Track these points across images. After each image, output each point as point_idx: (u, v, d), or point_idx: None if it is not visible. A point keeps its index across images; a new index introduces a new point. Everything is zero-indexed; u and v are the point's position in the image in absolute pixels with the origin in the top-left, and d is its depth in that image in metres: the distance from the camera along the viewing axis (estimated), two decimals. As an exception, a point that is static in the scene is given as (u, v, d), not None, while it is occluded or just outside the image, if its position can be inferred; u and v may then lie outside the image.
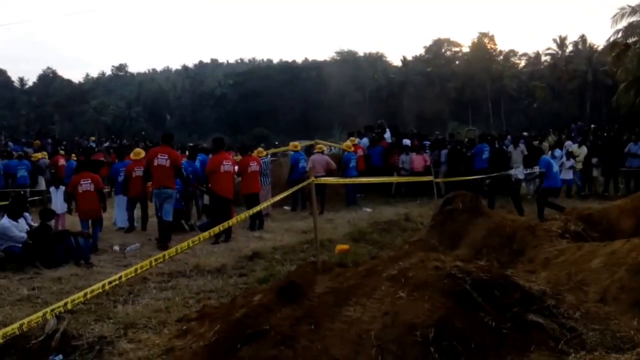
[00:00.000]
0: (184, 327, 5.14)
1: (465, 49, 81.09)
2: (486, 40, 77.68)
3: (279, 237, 10.58)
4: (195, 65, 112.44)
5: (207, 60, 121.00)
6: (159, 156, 10.00)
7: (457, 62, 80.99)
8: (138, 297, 6.46)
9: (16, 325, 3.24)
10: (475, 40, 78.30)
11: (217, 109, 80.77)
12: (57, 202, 11.69)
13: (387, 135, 19.40)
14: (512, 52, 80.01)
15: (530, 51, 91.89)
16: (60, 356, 4.68)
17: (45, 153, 19.64)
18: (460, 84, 72.99)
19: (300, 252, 8.95)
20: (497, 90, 70.73)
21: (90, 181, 10.18)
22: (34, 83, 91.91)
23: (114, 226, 12.50)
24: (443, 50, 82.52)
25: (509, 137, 19.70)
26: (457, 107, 71.39)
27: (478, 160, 16.28)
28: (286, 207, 15.00)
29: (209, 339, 4.45)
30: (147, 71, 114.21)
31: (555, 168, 12.78)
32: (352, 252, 8.53)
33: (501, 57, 78.44)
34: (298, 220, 12.99)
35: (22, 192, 14.86)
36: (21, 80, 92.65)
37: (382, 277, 4.65)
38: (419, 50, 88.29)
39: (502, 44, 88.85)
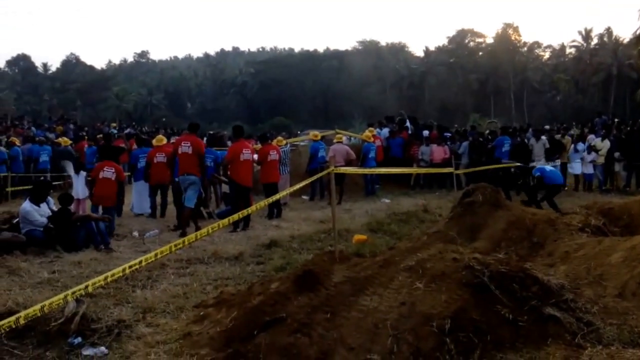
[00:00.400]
0: (201, 313, 5.18)
1: (489, 40, 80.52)
2: (510, 32, 76.99)
3: (296, 226, 10.57)
4: (216, 53, 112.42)
5: (228, 48, 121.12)
6: (182, 144, 10.21)
7: (480, 53, 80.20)
8: (156, 282, 6.51)
9: (37, 307, 3.30)
10: (500, 31, 77.78)
11: (238, 97, 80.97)
12: (79, 187, 11.83)
13: (408, 125, 19.31)
14: (537, 44, 79.49)
15: (555, 43, 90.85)
16: (80, 339, 4.74)
17: (66, 139, 19.86)
18: (483, 75, 72.33)
19: (318, 241, 8.94)
20: (520, 82, 70.06)
21: (113, 170, 10.39)
22: (57, 69, 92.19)
23: (131, 212, 12.64)
24: (466, 41, 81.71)
25: (530, 130, 19.52)
26: (479, 98, 70.89)
27: (498, 152, 16.20)
28: (304, 197, 15.02)
29: (226, 325, 4.50)
30: (168, 58, 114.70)
31: (549, 167, 12.77)
32: (370, 242, 8.52)
33: (525, 48, 77.70)
34: (316, 210, 12.99)
35: (42, 178, 15.02)
36: (45, 65, 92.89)
37: (399, 267, 4.67)
38: (442, 41, 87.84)
39: (527, 36, 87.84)
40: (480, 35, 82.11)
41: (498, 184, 10.21)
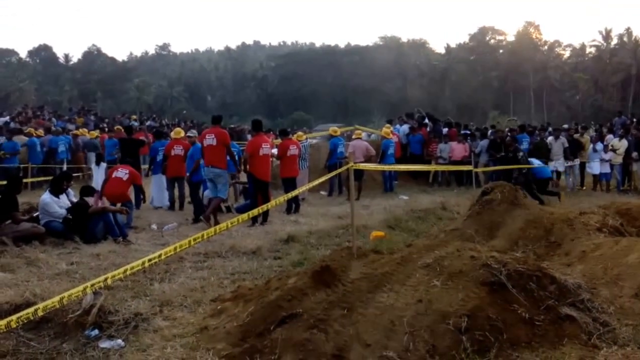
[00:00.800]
0: (218, 307, 5.20)
1: (510, 38, 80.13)
2: (531, 30, 76.68)
3: (314, 222, 10.55)
4: (237, 47, 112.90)
5: (249, 42, 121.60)
6: (207, 136, 10.33)
7: (501, 51, 79.67)
8: (174, 275, 6.52)
9: (56, 298, 3.31)
10: (521, 29, 77.53)
11: (258, 90, 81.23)
12: (98, 179, 11.94)
13: (427, 122, 19.21)
14: (557, 43, 79.16)
15: (576, 42, 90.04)
16: (97, 331, 4.77)
17: (84, 130, 20.04)
18: (503, 73, 71.90)
19: (336, 237, 8.91)
20: (540, 81, 69.71)
21: (127, 172, 10.52)
22: (79, 60, 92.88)
23: (150, 205, 12.70)
24: (487, 38, 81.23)
25: (550, 128, 19.38)
26: (499, 96, 70.60)
27: (516, 150, 16.06)
28: (322, 192, 15.03)
29: (242, 320, 4.51)
30: (189, 51, 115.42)
31: (537, 161, 13.11)
32: (388, 238, 8.49)
33: (545, 47, 77.28)
34: (334, 206, 12.98)
35: (61, 169, 15.15)
36: (66, 56, 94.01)
37: (417, 264, 4.68)
38: (463, 38, 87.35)
39: (547, 34, 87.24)
40: (502, 33, 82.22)
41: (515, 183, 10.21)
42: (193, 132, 12.43)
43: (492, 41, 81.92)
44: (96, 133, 19.28)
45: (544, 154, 15.69)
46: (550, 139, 16.74)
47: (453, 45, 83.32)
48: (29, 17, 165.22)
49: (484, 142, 17.09)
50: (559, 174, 16.46)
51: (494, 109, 63.94)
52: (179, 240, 8.22)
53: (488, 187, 8.25)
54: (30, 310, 3.13)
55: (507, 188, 7.97)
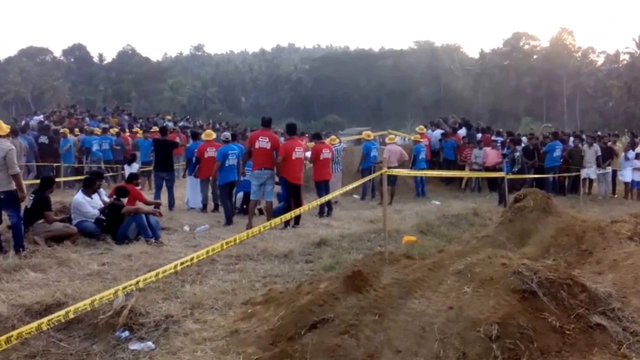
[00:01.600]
0: (249, 310, 5.20)
1: (544, 44, 79.43)
2: (565, 36, 76.19)
3: (346, 225, 10.54)
4: (272, 49, 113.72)
5: (284, 44, 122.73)
6: (260, 139, 10.40)
7: (534, 57, 78.83)
8: (206, 277, 6.54)
9: (88, 301, 3.34)
10: (555, 35, 77.03)
11: (292, 93, 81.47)
12: (130, 179, 12.05)
13: (462, 131, 19.01)
14: (591, 49, 78.42)
15: (610, 49, 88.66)
16: (127, 332, 4.80)
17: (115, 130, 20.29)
18: (537, 78, 71.25)
19: (367, 241, 8.86)
20: (573, 87, 68.93)
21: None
22: (113, 59, 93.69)
23: (185, 206, 12.84)
24: (521, 44, 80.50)
25: (583, 135, 19.15)
26: (532, 102, 69.94)
27: (550, 158, 16.06)
28: (355, 196, 15.00)
29: (273, 324, 4.52)
30: (224, 52, 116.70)
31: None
32: (420, 244, 8.44)
33: (579, 53, 76.61)
34: (366, 210, 12.95)
35: (95, 168, 15.35)
36: (100, 56, 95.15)
37: (448, 271, 4.69)
38: (497, 43, 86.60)
39: (581, 41, 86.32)
40: (536, 39, 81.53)
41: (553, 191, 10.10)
42: (226, 135, 12.42)
43: (526, 47, 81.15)
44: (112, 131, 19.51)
45: (577, 161, 15.72)
46: (584, 146, 16.58)
47: (487, 50, 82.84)
48: (64, 17, 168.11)
49: (520, 149, 16.91)
50: (591, 181, 16.36)
51: (527, 114, 63.34)
52: (211, 242, 8.45)
53: (520, 194, 8.21)
54: (62, 312, 3.16)
55: (539, 195, 7.94)
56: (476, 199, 15.01)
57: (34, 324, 3.04)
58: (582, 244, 6.96)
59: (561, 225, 7.44)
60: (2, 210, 7.97)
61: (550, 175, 15.41)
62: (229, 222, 10.85)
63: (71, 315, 3.19)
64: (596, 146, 16.31)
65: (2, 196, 7.66)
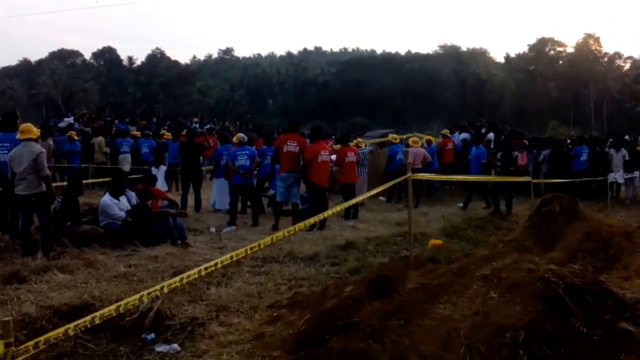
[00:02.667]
0: (274, 314, 5.22)
1: (570, 49, 78.63)
2: (591, 42, 75.43)
3: (372, 228, 10.54)
4: (299, 52, 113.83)
5: (311, 47, 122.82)
6: (288, 143, 10.63)
7: (560, 62, 78.03)
8: (231, 280, 6.56)
9: (113, 307, 3.38)
10: (580, 41, 76.19)
11: (318, 96, 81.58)
12: (158, 181, 12.20)
13: (491, 135, 18.80)
14: (617, 55, 77.12)
15: (637, 54, 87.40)
16: (153, 335, 4.83)
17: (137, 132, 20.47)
18: (563, 83, 70.52)
19: (393, 244, 8.82)
20: (600, 92, 68.17)
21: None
22: (142, 62, 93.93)
23: (211, 208, 12.97)
24: (547, 49, 79.78)
25: (610, 140, 18.87)
26: (558, 106, 69.21)
27: (576, 162, 16.06)
28: (381, 198, 14.97)
29: (298, 328, 4.51)
30: (252, 56, 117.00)
31: None
32: (446, 247, 8.39)
33: (606, 59, 75.64)
34: (392, 212, 12.95)
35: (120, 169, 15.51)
36: (130, 59, 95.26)
37: (474, 276, 4.64)
38: (523, 48, 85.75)
39: (608, 46, 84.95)
40: (561, 45, 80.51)
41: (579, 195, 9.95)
42: (240, 137, 12.59)
43: (552, 52, 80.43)
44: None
45: (604, 165, 15.55)
46: (611, 150, 16.44)
47: (513, 55, 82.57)
48: (94, 20, 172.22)
49: (546, 152, 16.90)
50: (618, 185, 16.15)
51: (553, 118, 62.73)
52: (237, 244, 8.56)
53: (547, 198, 8.13)
54: (88, 318, 3.19)
55: (565, 200, 7.85)
56: (503, 202, 14.76)
57: (61, 329, 3.08)
58: (609, 249, 6.92)
59: (588, 230, 7.39)
60: (33, 212, 8.05)
61: (576, 180, 15.20)
62: (232, 222, 10.97)
63: (97, 321, 3.22)
64: (624, 151, 16.18)
65: (32, 198, 7.75)
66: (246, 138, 12.65)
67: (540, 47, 79.38)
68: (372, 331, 4.06)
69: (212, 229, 10.45)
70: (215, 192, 13.09)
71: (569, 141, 18.40)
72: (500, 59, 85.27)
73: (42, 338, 2.94)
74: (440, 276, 4.90)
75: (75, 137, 16.80)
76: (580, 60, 71.63)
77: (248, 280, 6.61)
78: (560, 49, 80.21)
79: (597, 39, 75.50)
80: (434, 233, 9.54)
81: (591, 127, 56.62)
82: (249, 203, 12.22)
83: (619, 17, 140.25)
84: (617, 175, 15.60)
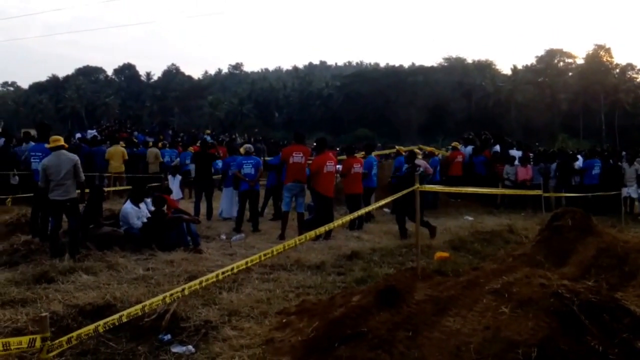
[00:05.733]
0: (283, 320, 5.29)
1: (580, 61, 78.16)
2: (602, 53, 74.66)
3: (377, 239, 10.60)
4: (305, 66, 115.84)
5: (316, 62, 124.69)
6: (294, 154, 10.80)
7: (570, 74, 77.61)
8: (242, 286, 6.69)
9: (139, 306, 3.54)
10: (591, 52, 75.57)
11: (323, 108, 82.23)
12: (174, 189, 12.42)
13: (497, 147, 18.88)
14: (630, 66, 76.14)
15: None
16: (169, 336, 4.97)
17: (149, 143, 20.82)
18: (572, 95, 69.95)
19: (399, 255, 8.85)
20: (611, 104, 67.28)
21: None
22: (159, 78, 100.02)
23: (219, 216, 13.16)
24: (555, 60, 79.45)
25: (624, 153, 18.75)
26: (567, 118, 68.52)
27: (588, 175, 15.79)
28: (386, 210, 14.98)
29: (307, 335, 4.56)
30: (260, 70, 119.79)
31: None
32: (452, 260, 8.36)
33: (617, 70, 74.73)
34: (397, 224, 12.92)
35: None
36: (148, 74, 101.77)
37: (484, 289, 4.56)
38: (530, 60, 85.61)
39: (619, 57, 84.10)
40: (570, 56, 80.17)
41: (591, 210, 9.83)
42: (247, 147, 12.87)
43: (561, 64, 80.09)
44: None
45: (616, 179, 15.35)
46: (624, 164, 16.22)
47: (520, 66, 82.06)
48: (115, 38, 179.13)
49: (554, 166, 16.79)
50: (632, 200, 15.94)
51: (562, 131, 62.20)
52: (246, 251, 8.69)
53: (558, 213, 7.99)
54: (116, 316, 3.33)
55: (578, 214, 7.71)
56: (511, 215, 14.80)
57: (92, 326, 3.22)
58: (625, 266, 6.71)
59: (602, 245, 7.13)
60: (65, 216, 8.48)
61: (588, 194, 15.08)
62: (238, 230, 11.25)
63: (124, 319, 3.36)
64: (638, 164, 15.90)
65: (67, 203, 8.23)
66: (252, 149, 12.88)
67: (549, 58, 79.27)
68: (380, 341, 4.07)
69: (223, 236, 10.73)
70: (223, 201, 13.32)
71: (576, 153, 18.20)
72: (507, 71, 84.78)
73: (74, 334, 3.08)
74: (449, 289, 4.84)
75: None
76: (590, 72, 70.96)
77: (257, 286, 6.73)
78: (570, 60, 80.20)
79: (608, 50, 75.15)
80: (440, 245, 9.54)
81: (602, 140, 56.01)
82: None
83: (631, 27, 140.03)
84: (631, 190, 15.43)
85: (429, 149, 18.62)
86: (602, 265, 6.83)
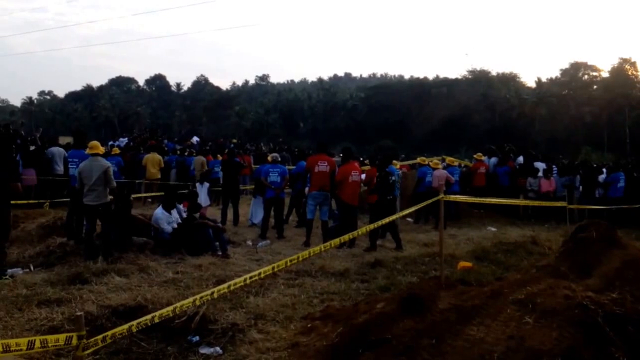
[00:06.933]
0: (308, 325, 5.36)
1: (605, 74, 77.27)
2: (627, 66, 73.89)
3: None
4: (330, 78, 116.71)
5: (341, 73, 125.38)
6: (319, 163, 10.98)
7: (594, 87, 76.75)
8: (268, 290, 6.81)
9: (171, 308, 3.66)
10: (616, 65, 74.69)
11: (347, 119, 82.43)
12: (201, 196, 12.63)
13: (520, 159, 18.78)
14: (656, 79, 74.82)
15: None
16: (198, 337, 5.08)
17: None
18: (597, 108, 69.05)
19: (422, 264, 8.86)
20: (636, 117, 66.19)
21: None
22: (188, 88, 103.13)
23: (248, 222, 13.37)
24: (580, 74, 78.71)
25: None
26: (591, 131, 67.52)
27: (613, 188, 15.61)
28: (409, 219, 15.00)
29: (332, 340, 4.60)
30: (286, 82, 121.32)
31: None
32: (475, 270, 8.33)
33: (643, 83, 73.64)
34: (420, 233, 12.96)
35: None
36: (178, 85, 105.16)
37: (507, 300, 4.57)
38: (555, 73, 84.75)
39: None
40: (595, 69, 79.31)
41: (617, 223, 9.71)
42: (274, 156, 13.03)
43: (586, 77, 79.27)
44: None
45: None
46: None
47: (544, 79, 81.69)
48: (147, 49, 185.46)
49: (578, 178, 16.73)
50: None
51: (586, 144, 61.38)
52: (272, 257, 8.90)
53: (583, 224, 7.94)
54: (148, 317, 3.45)
55: (603, 226, 7.65)
56: (534, 226, 14.63)
57: (125, 326, 3.34)
58: None
59: (627, 257, 6.90)
60: (98, 220, 8.79)
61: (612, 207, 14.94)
62: (263, 236, 11.41)
63: (156, 320, 3.48)
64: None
65: (100, 208, 8.54)
66: (279, 157, 13.04)
67: (574, 71, 78.51)
68: (404, 348, 4.09)
69: (249, 242, 10.93)
70: (253, 208, 13.53)
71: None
72: (531, 83, 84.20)
73: (109, 333, 3.20)
74: (473, 298, 4.85)
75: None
76: (615, 85, 69.84)
77: (283, 291, 6.84)
78: (595, 73, 79.27)
79: (633, 64, 74.10)
80: (463, 255, 9.52)
81: (627, 154, 55.03)
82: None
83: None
84: None
85: (449, 159, 18.55)
86: (627, 278, 6.69)
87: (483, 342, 4.02)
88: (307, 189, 12.02)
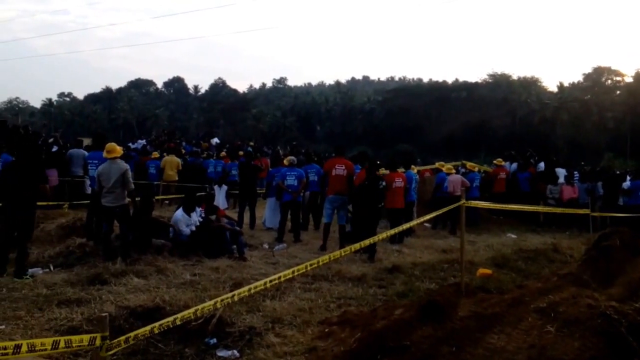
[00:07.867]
0: (326, 330, 5.33)
1: (628, 79, 76.26)
2: (652, 71, 72.42)
3: (418, 254, 10.56)
4: (347, 81, 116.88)
5: (359, 77, 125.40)
6: (336, 167, 10.88)
7: (617, 92, 75.87)
8: (284, 294, 6.79)
9: (192, 310, 3.68)
10: (639, 70, 73.33)
11: (364, 123, 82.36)
12: (219, 199, 12.66)
13: (541, 165, 18.59)
14: (680, 85, 73.61)
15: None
16: (215, 340, 5.08)
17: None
18: (620, 114, 68.20)
19: (440, 271, 8.77)
20: (661, 123, 65.21)
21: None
22: (206, 91, 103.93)
23: (263, 226, 13.32)
24: (603, 79, 77.85)
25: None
26: (614, 137, 66.68)
27: (635, 196, 15.32)
28: (427, 224, 14.90)
29: (349, 345, 4.57)
30: (303, 85, 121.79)
31: None
32: (495, 277, 8.25)
33: (667, 88, 72.49)
34: (438, 239, 12.88)
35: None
36: (196, 87, 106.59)
37: (529, 308, 4.55)
38: (577, 77, 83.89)
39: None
40: (619, 74, 78.43)
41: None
42: (290, 159, 12.96)
43: (609, 82, 78.40)
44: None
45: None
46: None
47: (566, 84, 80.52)
48: (166, 52, 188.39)
49: (600, 185, 16.51)
50: None
51: (608, 150, 60.65)
52: (288, 260, 8.86)
53: (607, 232, 7.83)
54: (170, 319, 3.45)
55: (626, 234, 7.54)
56: (555, 234, 14.47)
57: (148, 327, 3.34)
58: None
59: None
60: (116, 221, 8.89)
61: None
62: (280, 239, 11.35)
63: (178, 322, 3.49)
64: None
65: (117, 210, 8.64)
66: (296, 160, 12.97)
67: (597, 76, 77.86)
68: (423, 355, 4.07)
69: (265, 246, 10.90)
70: (267, 211, 13.47)
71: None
72: (553, 88, 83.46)
73: (132, 334, 3.21)
74: (493, 306, 4.83)
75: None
76: (639, 90, 69.11)
77: (300, 295, 6.82)
78: (618, 78, 78.50)
79: (658, 68, 73.44)
80: (482, 262, 9.42)
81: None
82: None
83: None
84: None
85: (468, 164, 18.41)
86: (651, 287, 6.67)
87: (504, 351, 3.99)
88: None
